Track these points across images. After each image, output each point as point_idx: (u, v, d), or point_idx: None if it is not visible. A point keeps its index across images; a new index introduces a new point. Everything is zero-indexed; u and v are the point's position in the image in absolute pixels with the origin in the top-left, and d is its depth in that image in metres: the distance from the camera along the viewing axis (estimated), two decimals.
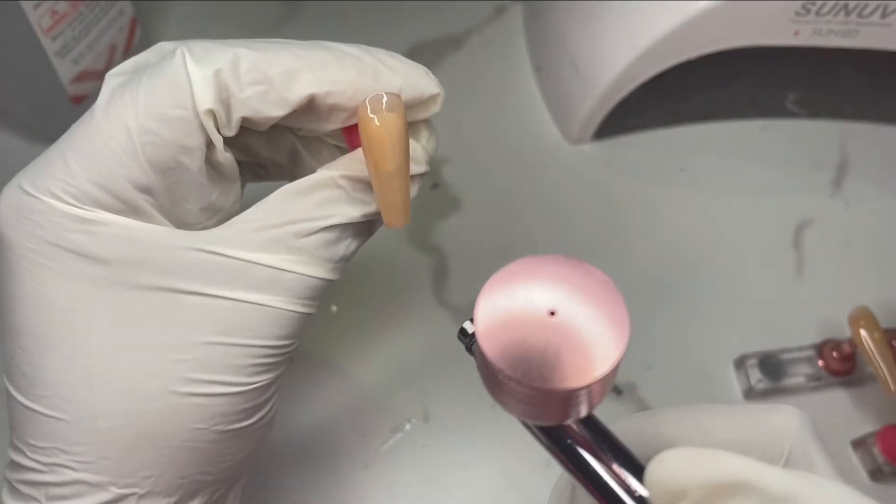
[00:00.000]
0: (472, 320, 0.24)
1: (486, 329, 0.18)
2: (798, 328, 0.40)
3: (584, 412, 0.19)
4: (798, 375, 0.38)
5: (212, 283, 0.23)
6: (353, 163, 0.24)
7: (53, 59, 0.42)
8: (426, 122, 0.26)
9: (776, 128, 0.47)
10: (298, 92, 0.23)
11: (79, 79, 0.44)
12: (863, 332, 0.36)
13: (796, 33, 0.40)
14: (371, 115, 0.22)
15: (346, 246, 0.24)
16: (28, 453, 0.23)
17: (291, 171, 0.27)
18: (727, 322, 0.40)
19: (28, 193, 0.23)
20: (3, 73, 0.42)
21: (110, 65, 0.46)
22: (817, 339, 0.39)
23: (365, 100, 0.22)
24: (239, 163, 0.26)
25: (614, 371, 0.18)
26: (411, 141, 0.24)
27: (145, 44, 0.49)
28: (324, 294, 0.25)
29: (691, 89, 0.48)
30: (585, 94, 0.44)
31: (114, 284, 0.22)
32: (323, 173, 0.24)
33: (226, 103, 0.22)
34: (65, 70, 0.43)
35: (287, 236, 0.23)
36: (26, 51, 0.41)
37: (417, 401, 0.38)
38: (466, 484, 0.36)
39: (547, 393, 0.17)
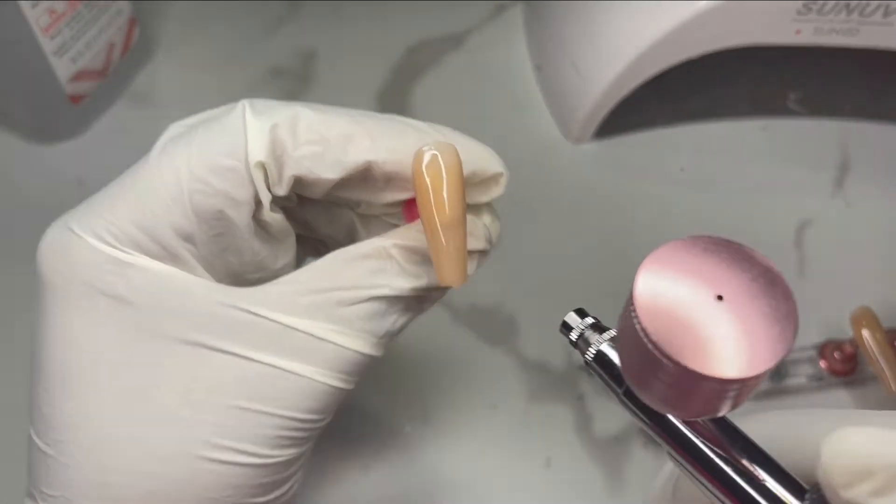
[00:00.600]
0: (576, 311, 0.23)
1: (647, 304, 0.17)
2: (799, 328, 0.40)
3: (727, 409, 0.18)
4: (800, 376, 0.38)
5: (244, 343, 0.21)
6: (408, 232, 0.23)
7: (51, 58, 0.42)
8: (488, 205, 0.25)
9: (777, 127, 0.47)
10: (355, 156, 0.22)
11: (77, 78, 0.44)
12: (865, 333, 0.35)
13: (798, 32, 0.40)
14: (425, 162, 0.21)
15: (393, 321, 0.23)
16: (39, 501, 0.23)
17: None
18: None
19: (71, 231, 0.22)
20: (1, 72, 0.42)
21: (108, 64, 0.46)
22: (819, 340, 0.39)
23: (420, 148, 0.21)
24: (299, 237, 0.25)
25: (773, 367, 0.17)
26: (472, 217, 0.23)
27: (143, 43, 0.49)
28: (364, 371, 0.23)
29: (692, 89, 0.48)
30: (586, 93, 0.44)
31: (142, 332, 0.22)
32: (375, 241, 0.23)
33: (279, 160, 0.22)
34: (63, 69, 0.43)
35: (330, 303, 0.22)
36: (24, 50, 0.41)
37: (417, 401, 0.38)
38: (467, 484, 0.36)
39: (702, 380, 0.17)
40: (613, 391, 0.22)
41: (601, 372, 0.23)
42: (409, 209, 0.24)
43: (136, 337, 0.22)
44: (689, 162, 0.46)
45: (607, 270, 0.42)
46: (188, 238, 0.22)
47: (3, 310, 0.40)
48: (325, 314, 0.22)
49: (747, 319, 0.17)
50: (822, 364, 0.38)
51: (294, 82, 0.49)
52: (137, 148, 0.46)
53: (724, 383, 0.17)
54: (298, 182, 0.22)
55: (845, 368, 0.38)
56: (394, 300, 0.23)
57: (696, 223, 0.44)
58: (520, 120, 0.48)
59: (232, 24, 0.52)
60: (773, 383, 0.37)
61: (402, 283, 0.23)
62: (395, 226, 0.25)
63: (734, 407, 0.18)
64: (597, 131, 0.46)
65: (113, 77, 0.47)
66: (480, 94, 0.49)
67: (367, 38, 0.51)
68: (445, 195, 0.21)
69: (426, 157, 0.21)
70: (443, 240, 0.21)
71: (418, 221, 0.23)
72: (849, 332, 0.37)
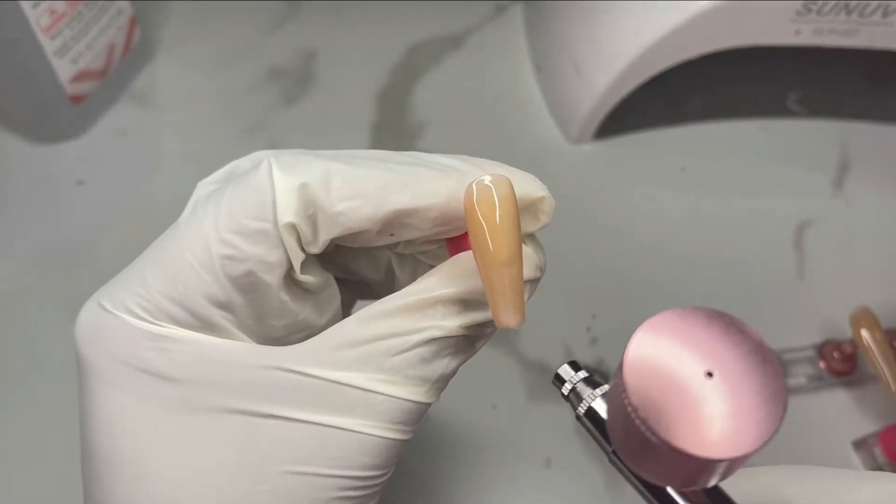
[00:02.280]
0: (570, 364, 0.23)
1: (636, 380, 0.17)
2: (799, 328, 0.40)
3: (715, 481, 0.18)
4: (799, 376, 0.38)
5: (292, 406, 0.21)
6: (453, 269, 0.22)
7: (52, 58, 0.42)
8: (532, 236, 0.24)
9: (777, 127, 0.47)
10: (395, 207, 0.21)
11: (77, 78, 0.44)
12: (864, 333, 0.36)
13: (797, 33, 0.40)
14: (477, 198, 0.20)
15: (446, 364, 0.22)
16: None
17: (390, 289, 0.26)
18: None
19: (104, 309, 0.22)
20: (2, 72, 0.42)
21: (109, 64, 0.46)
22: (818, 340, 0.39)
23: (471, 183, 0.20)
24: (340, 281, 0.24)
25: (767, 443, 0.17)
26: (522, 246, 0.22)
27: (144, 43, 0.49)
28: (420, 419, 0.22)
29: (692, 89, 0.48)
30: (586, 93, 0.44)
31: (186, 407, 0.21)
32: (419, 284, 0.22)
33: (312, 219, 0.21)
34: (63, 69, 0.43)
35: (376, 354, 0.21)
36: (25, 50, 0.41)
37: None
38: (467, 485, 0.36)
39: (689, 458, 0.16)
40: (604, 449, 0.22)
41: (592, 428, 0.22)
42: (453, 245, 0.23)
43: (180, 413, 0.21)
44: (689, 162, 0.46)
45: (607, 271, 0.42)
46: (223, 306, 0.21)
47: (3, 308, 0.40)
48: (373, 365, 0.21)
49: (736, 398, 0.17)
50: (822, 364, 0.38)
51: (294, 82, 0.49)
52: (137, 148, 0.47)
53: (711, 462, 0.17)
54: (339, 238, 0.22)
55: (845, 368, 0.38)
56: (443, 342, 0.22)
57: (696, 224, 0.44)
58: (520, 120, 0.48)
59: (232, 25, 0.52)
60: None
61: (451, 322, 0.22)
62: (430, 265, 0.25)
63: (723, 479, 0.18)
64: (597, 132, 0.46)
65: (113, 77, 0.47)
66: (480, 94, 0.49)
67: (367, 39, 0.51)
68: (501, 232, 0.20)
69: (478, 192, 0.20)
70: (499, 280, 0.20)
71: (461, 255, 0.22)
72: (848, 333, 0.37)
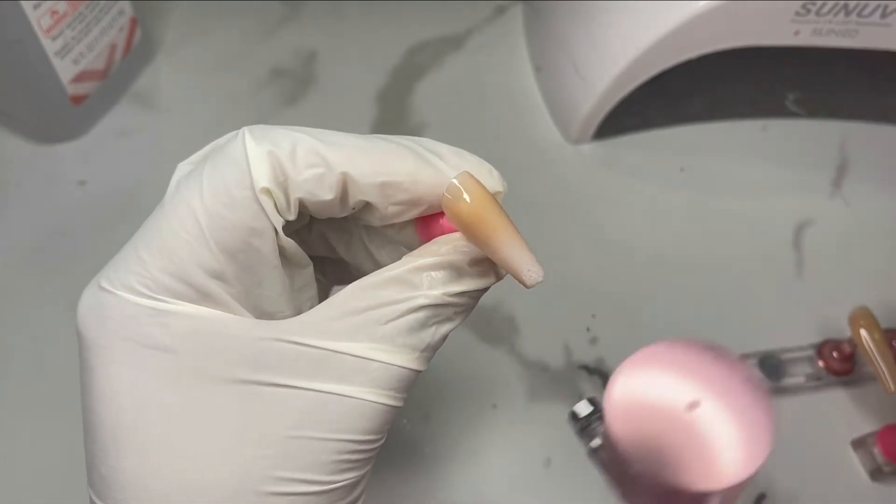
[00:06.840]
0: (588, 400, 0.23)
1: (620, 418, 0.17)
2: (798, 328, 0.40)
3: None
4: (798, 375, 0.38)
5: (290, 374, 0.22)
6: (438, 246, 0.23)
7: (53, 59, 0.42)
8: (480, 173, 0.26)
9: (776, 128, 0.47)
10: (344, 170, 0.22)
11: (78, 79, 0.44)
12: (863, 333, 0.36)
13: (796, 33, 0.40)
14: (456, 201, 0.22)
15: (432, 333, 0.23)
16: None
17: (369, 269, 0.27)
18: (727, 322, 0.40)
19: (104, 290, 0.22)
20: (3, 72, 0.42)
21: (110, 65, 0.46)
22: (817, 339, 0.39)
23: (443, 193, 0.22)
24: (327, 260, 0.26)
25: (754, 475, 0.16)
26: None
27: (145, 44, 0.49)
28: (410, 387, 0.24)
29: (691, 89, 0.48)
30: (585, 94, 0.44)
31: (188, 378, 0.22)
32: (405, 260, 0.23)
33: (283, 185, 0.22)
34: (64, 70, 0.43)
35: (368, 323, 0.22)
36: (26, 51, 0.41)
37: (417, 401, 0.38)
38: (467, 484, 0.36)
39: (678, 493, 0.16)
40: (612, 485, 0.21)
41: (600, 464, 0.22)
42: (425, 227, 0.24)
43: (184, 385, 0.22)
44: (689, 162, 0.46)
45: (607, 271, 0.42)
46: (219, 276, 0.22)
47: (4, 309, 0.41)
48: (366, 334, 0.22)
49: (718, 430, 0.16)
50: (821, 364, 0.38)
51: (294, 83, 0.50)
52: (139, 148, 0.47)
53: (698, 495, 0.16)
54: (307, 208, 0.23)
55: (843, 368, 0.38)
56: (431, 310, 0.23)
57: (696, 224, 0.44)
58: (519, 121, 0.48)
59: (233, 25, 0.52)
60: (772, 382, 0.38)
61: (437, 290, 0.23)
62: (398, 241, 0.26)
63: None
64: (596, 132, 0.46)
65: (114, 78, 0.47)
66: (480, 95, 0.49)
67: (367, 39, 0.52)
68: (490, 221, 0.22)
69: (453, 196, 0.22)
70: (507, 251, 0.22)
71: (442, 238, 0.24)
72: (847, 332, 0.37)
